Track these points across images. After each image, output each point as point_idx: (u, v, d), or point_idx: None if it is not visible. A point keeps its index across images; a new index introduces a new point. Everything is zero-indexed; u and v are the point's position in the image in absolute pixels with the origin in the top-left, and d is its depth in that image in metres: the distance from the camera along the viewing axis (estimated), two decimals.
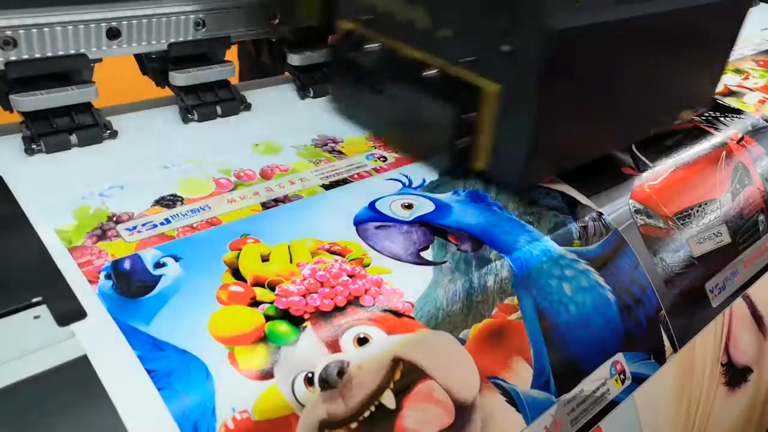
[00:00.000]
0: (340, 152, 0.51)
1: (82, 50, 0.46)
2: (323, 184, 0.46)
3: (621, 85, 0.49)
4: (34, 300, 0.33)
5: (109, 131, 0.48)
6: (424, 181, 0.49)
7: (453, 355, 0.37)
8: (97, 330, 0.32)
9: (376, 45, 0.50)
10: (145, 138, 0.50)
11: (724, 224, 0.57)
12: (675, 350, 0.49)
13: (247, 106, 0.56)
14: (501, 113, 0.44)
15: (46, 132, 0.45)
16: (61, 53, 0.46)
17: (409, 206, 0.45)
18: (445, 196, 0.47)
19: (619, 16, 0.44)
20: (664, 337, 0.48)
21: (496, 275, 0.42)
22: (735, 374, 0.57)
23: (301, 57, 0.60)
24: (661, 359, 0.47)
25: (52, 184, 0.43)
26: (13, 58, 0.43)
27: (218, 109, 0.54)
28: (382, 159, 0.51)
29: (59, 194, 0.41)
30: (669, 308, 0.49)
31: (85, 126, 0.47)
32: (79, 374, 0.30)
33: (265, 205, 0.43)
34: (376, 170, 0.49)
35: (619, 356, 0.45)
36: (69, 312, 0.33)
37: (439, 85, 0.46)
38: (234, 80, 0.57)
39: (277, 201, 0.44)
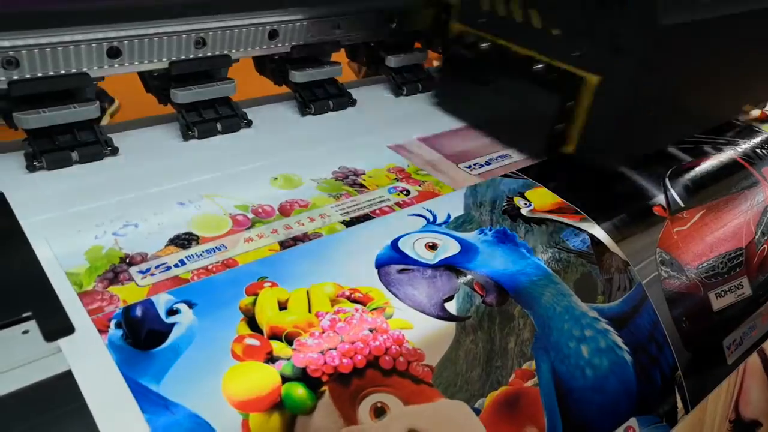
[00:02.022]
0: (362, 185, 0.49)
1: (84, 69, 0.47)
2: (344, 221, 0.44)
3: (703, 77, 0.57)
4: (24, 315, 0.33)
5: (110, 148, 0.49)
6: (448, 217, 0.46)
7: (467, 427, 0.36)
8: (104, 385, 0.30)
9: (487, 44, 0.58)
10: (147, 156, 0.50)
11: (745, 276, 0.56)
12: (687, 411, 0.48)
13: (248, 123, 0.56)
14: (597, 101, 0.51)
15: (48, 149, 0.46)
16: (63, 72, 0.46)
17: (433, 246, 0.43)
18: (471, 236, 0.45)
19: (715, 13, 0.50)
20: (678, 399, 0.47)
21: (518, 336, 0.40)
22: (743, 430, 0.56)
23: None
24: (672, 421, 0.47)
25: (55, 204, 0.42)
26: (16, 77, 0.44)
27: (218, 126, 0.54)
28: (404, 192, 0.48)
29: (71, 232, 0.40)
30: (685, 368, 0.48)
31: (87, 143, 0.47)
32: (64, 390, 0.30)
33: (284, 245, 0.41)
34: (399, 205, 0.47)
35: (632, 421, 0.44)
36: (57, 328, 0.32)
37: (544, 77, 0.53)
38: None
39: (296, 240, 0.41)
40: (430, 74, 0.70)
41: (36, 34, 0.44)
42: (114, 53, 0.48)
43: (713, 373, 0.51)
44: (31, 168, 0.45)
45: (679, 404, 0.47)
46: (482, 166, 0.54)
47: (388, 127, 0.60)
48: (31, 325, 0.33)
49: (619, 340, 0.44)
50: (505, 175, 0.53)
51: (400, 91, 0.68)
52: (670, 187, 0.57)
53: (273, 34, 0.57)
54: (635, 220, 0.52)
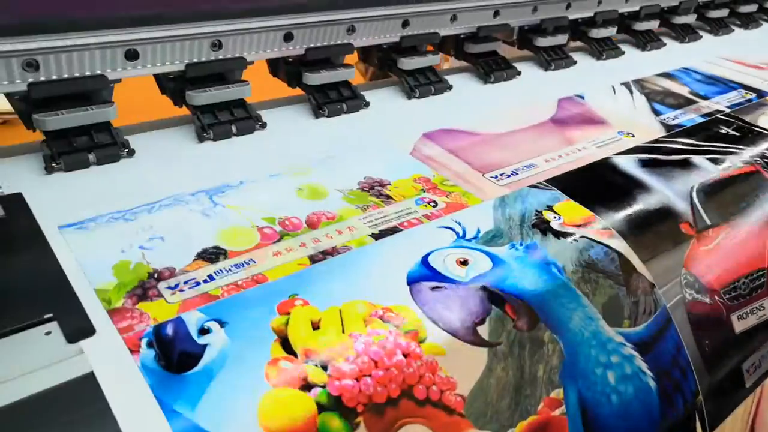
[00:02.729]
0: (388, 196, 0.48)
1: (102, 71, 0.47)
2: (372, 234, 0.43)
3: None
4: (46, 316, 0.33)
5: (126, 150, 0.49)
6: (478, 231, 0.45)
7: None
8: (140, 410, 0.29)
9: None
10: (163, 158, 0.50)
11: (767, 297, 0.55)
12: None
13: (263, 125, 0.56)
14: None
15: (66, 151, 0.46)
16: (81, 74, 0.47)
17: (464, 262, 0.42)
18: (501, 251, 0.44)
19: None
20: (698, 424, 0.47)
21: (547, 363, 0.40)
22: None
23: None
24: None
25: (73, 206, 0.42)
26: (35, 79, 0.44)
27: (233, 128, 0.54)
28: (432, 204, 0.47)
29: (97, 245, 0.39)
30: (705, 393, 0.48)
31: (104, 145, 0.48)
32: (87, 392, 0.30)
33: (313, 259, 0.40)
34: (427, 217, 0.46)
35: None
36: (79, 329, 0.32)
37: None
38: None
39: (325, 254, 0.40)
40: (442, 77, 0.70)
41: (56, 37, 0.44)
42: (132, 56, 0.48)
43: (732, 397, 0.51)
44: (49, 170, 0.45)
45: (698, 429, 0.47)
46: (509, 176, 0.53)
47: (406, 131, 0.59)
48: (53, 327, 0.33)
49: (644, 366, 0.44)
50: (532, 186, 0.52)
51: (412, 94, 0.67)
52: (697, 202, 0.56)
53: (288, 37, 0.57)
54: (663, 238, 0.51)
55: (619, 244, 0.48)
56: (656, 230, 0.51)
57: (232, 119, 0.54)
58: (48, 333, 0.32)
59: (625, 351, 0.44)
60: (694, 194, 0.57)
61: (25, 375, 0.30)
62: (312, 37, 0.59)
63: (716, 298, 0.51)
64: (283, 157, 0.52)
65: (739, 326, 0.52)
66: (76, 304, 0.34)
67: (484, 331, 0.39)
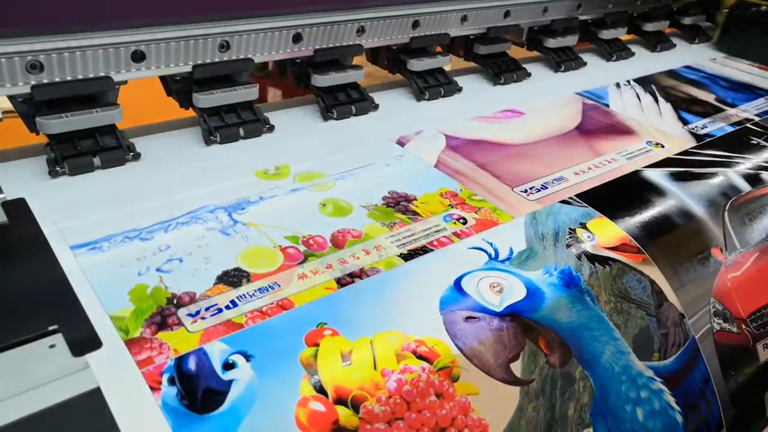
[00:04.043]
0: (415, 212, 0.45)
1: (107, 73, 0.46)
2: (401, 254, 0.41)
3: None
4: (50, 328, 0.31)
5: (132, 153, 0.47)
6: (511, 252, 0.43)
7: None
8: None
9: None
10: (170, 162, 0.48)
11: None
12: None
13: (270, 128, 0.54)
14: None
15: (70, 154, 0.45)
16: (86, 76, 0.45)
17: (498, 288, 0.40)
18: (536, 276, 0.42)
19: None
20: None
21: (578, 400, 0.38)
22: None
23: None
24: None
25: (78, 211, 0.40)
26: (39, 81, 0.43)
27: (241, 130, 0.52)
28: (461, 221, 0.45)
29: (113, 268, 0.36)
30: (729, 424, 0.47)
31: (109, 148, 0.46)
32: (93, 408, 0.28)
33: (340, 282, 0.37)
34: (457, 235, 0.43)
35: None
36: (84, 341, 0.31)
37: None
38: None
39: (352, 276, 0.38)
40: (452, 79, 0.68)
41: (60, 38, 0.42)
42: (138, 57, 0.46)
43: (753, 428, 0.50)
44: (53, 174, 0.44)
45: None
46: (538, 190, 0.51)
47: (420, 136, 0.57)
48: (58, 339, 0.31)
49: (672, 401, 0.43)
50: (563, 201, 0.50)
51: (422, 96, 0.65)
52: (728, 224, 0.54)
53: (297, 38, 0.55)
54: (694, 265, 0.50)
55: (652, 272, 0.47)
56: (688, 255, 0.50)
57: (240, 122, 0.53)
58: (52, 346, 0.30)
59: (654, 386, 0.42)
60: (726, 216, 0.55)
61: (27, 391, 0.28)
62: (321, 38, 0.57)
63: (743, 326, 0.50)
64: (292, 160, 0.50)
65: (764, 356, 0.51)
66: (81, 315, 0.32)
67: (516, 367, 0.37)
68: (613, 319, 0.43)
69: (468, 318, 0.38)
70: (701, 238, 0.52)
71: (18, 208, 0.40)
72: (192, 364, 0.31)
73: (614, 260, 0.46)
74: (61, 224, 0.39)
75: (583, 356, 0.40)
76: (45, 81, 0.43)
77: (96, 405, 0.28)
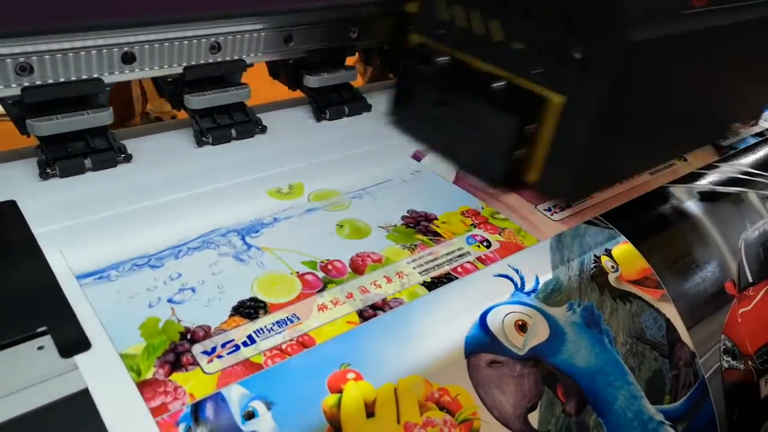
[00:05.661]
0: (436, 233, 0.43)
1: (98, 74, 0.45)
2: (424, 281, 0.39)
3: (682, 97, 0.50)
4: (39, 330, 0.31)
5: (123, 155, 0.47)
6: (537, 282, 0.42)
7: None
8: None
9: (446, 58, 0.50)
10: (162, 164, 0.48)
11: None
12: None
13: (263, 129, 0.54)
14: (561, 125, 0.44)
15: (61, 156, 0.44)
16: (76, 78, 0.44)
17: (523, 327, 0.39)
18: (560, 313, 0.41)
19: (693, 28, 0.43)
20: None
21: None
22: None
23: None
24: None
25: (69, 213, 0.40)
26: (29, 83, 0.42)
27: (233, 131, 0.52)
28: (485, 244, 0.43)
29: (122, 300, 0.34)
30: None
31: (100, 150, 0.46)
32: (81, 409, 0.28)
33: (362, 314, 0.36)
34: (481, 260, 0.42)
35: None
36: (73, 342, 0.31)
37: (505, 96, 0.46)
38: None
39: (374, 308, 0.36)
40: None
41: (50, 39, 0.42)
42: (129, 59, 0.46)
43: None
44: (43, 176, 0.43)
45: None
46: (563, 209, 0.49)
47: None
48: (46, 341, 0.31)
49: None
50: (589, 222, 0.48)
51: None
52: (743, 255, 0.54)
53: (288, 39, 0.54)
54: (708, 300, 0.49)
55: (669, 309, 0.46)
56: (703, 290, 0.49)
57: (232, 123, 0.52)
58: (41, 348, 0.30)
59: (664, 430, 0.43)
60: (743, 246, 0.54)
61: (15, 393, 0.28)
62: (313, 39, 0.56)
63: (749, 363, 0.50)
64: (286, 161, 0.50)
65: (764, 391, 0.52)
66: (70, 316, 0.32)
67: (534, 418, 0.37)
68: (628, 363, 0.42)
69: (492, 363, 0.37)
70: (718, 272, 0.51)
71: (8, 210, 0.39)
72: (210, 413, 0.29)
73: (635, 297, 0.45)
74: (52, 226, 0.38)
75: (597, 403, 0.40)
76: (35, 83, 0.43)
77: (84, 406, 0.28)
